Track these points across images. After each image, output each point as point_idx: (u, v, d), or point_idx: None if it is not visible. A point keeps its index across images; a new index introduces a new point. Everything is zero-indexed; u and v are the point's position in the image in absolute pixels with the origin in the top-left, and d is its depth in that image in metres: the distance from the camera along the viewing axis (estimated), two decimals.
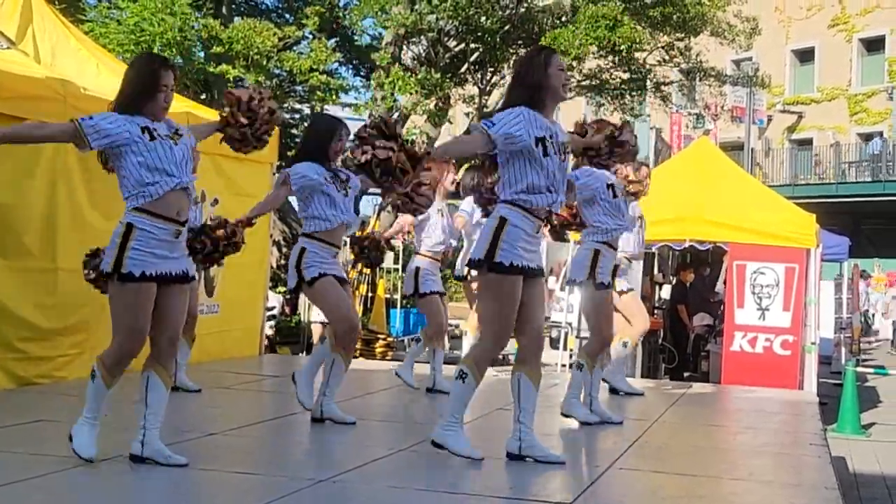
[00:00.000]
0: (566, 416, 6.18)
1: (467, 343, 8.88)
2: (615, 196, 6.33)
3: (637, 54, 19.73)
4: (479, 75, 20.64)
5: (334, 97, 18.05)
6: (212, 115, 9.38)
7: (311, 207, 5.62)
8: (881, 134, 33.82)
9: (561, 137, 4.80)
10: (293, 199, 5.99)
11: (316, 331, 14.28)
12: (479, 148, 4.72)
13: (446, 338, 8.08)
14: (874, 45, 35.53)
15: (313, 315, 14.32)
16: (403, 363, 7.73)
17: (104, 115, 4.38)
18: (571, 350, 11.55)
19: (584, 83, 21.03)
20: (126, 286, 4.29)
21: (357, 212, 6.44)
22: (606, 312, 6.36)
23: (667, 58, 20.98)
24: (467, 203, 7.76)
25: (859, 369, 13.36)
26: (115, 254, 4.30)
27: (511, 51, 19.99)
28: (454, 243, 8.03)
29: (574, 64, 18.95)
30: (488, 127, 4.63)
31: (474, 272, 7.57)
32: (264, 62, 16.89)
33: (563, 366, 11.03)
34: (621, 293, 7.84)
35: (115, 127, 4.31)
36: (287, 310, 17.21)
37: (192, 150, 4.58)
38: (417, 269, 7.46)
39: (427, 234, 7.54)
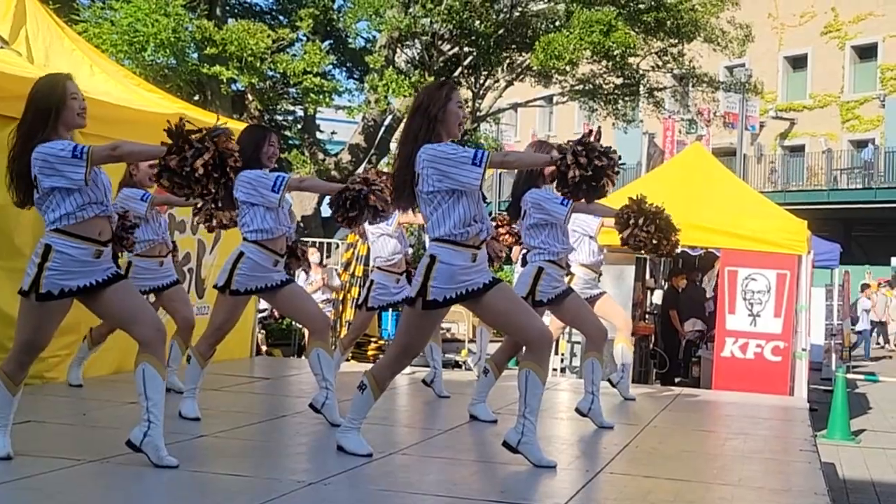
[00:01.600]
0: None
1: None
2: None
3: (630, 60, 19.79)
4: (472, 79, 20.66)
5: (328, 100, 18.04)
6: (206, 116, 9.39)
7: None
8: (873, 141, 33.93)
9: None
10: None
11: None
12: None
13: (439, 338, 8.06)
14: (867, 52, 35.67)
15: None
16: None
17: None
18: (562, 354, 11.57)
19: (577, 88, 21.07)
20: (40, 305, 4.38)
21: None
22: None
23: (660, 63, 21.03)
24: None
25: (849, 376, 13.40)
26: (33, 273, 4.36)
27: (505, 55, 20.02)
28: (410, 250, 8.13)
29: (568, 69, 18.98)
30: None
31: None
32: (258, 64, 16.87)
33: (555, 370, 11.04)
34: (593, 299, 7.82)
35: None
36: (276, 313, 17.17)
37: None
38: (372, 282, 7.67)
39: (381, 247, 7.69)
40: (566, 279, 6.50)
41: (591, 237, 7.98)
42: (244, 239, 5.68)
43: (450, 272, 4.63)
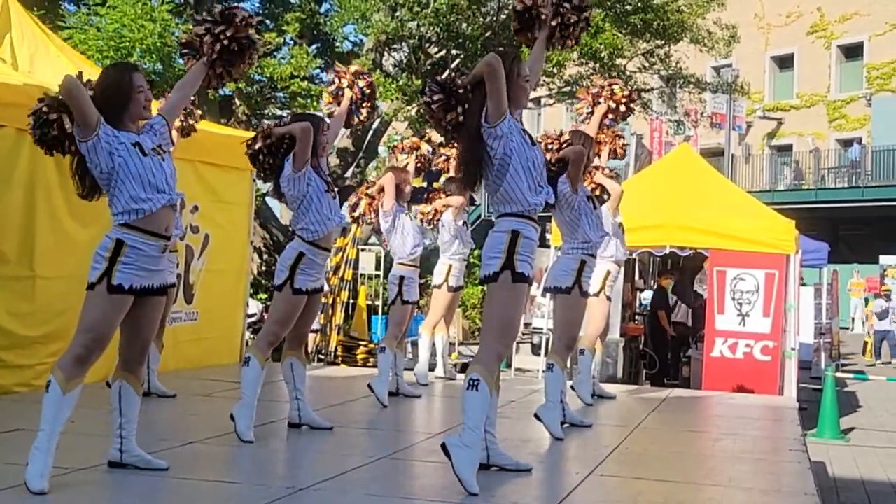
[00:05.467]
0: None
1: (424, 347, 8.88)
2: (595, 207, 6.40)
3: (618, 61, 19.81)
4: None
5: (315, 103, 18.01)
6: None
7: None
8: (860, 140, 34.04)
9: None
10: (274, 206, 6.00)
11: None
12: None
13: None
14: (853, 51, 35.82)
15: None
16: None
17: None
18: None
19: (564, 90, 21.08)
20: (111, 297, 4.25)
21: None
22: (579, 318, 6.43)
23: (647, 65, 21.07)
24: None
25: (839, 374, 13.43)
26: (104, 266, 4.26)
27: None
28: (427, 242, 8.10)
29: (555, 71, 18.99)
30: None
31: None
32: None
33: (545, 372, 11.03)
34: (608, 298, 7.95)
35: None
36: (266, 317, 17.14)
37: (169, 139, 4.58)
38: (402, 277, 7.58)
39: (401, 241, 7.63)
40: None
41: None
42: (300, 238, 5.65)
43: (531, 247, 4.61)
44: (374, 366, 13.04)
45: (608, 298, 8.02)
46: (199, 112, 7.51)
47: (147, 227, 4.32)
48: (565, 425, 6.25)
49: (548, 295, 6.76)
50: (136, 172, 4.30)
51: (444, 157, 8.48)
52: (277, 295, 5.63)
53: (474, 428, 4.36)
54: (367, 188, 8.19)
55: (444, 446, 4.36)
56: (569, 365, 6.87)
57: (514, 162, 4.54)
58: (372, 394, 7.15)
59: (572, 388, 7.61)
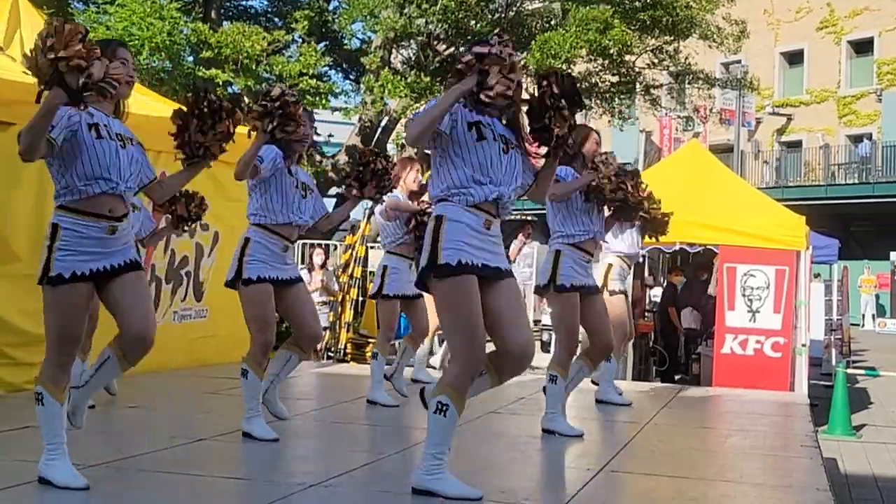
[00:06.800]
0: (546, 430, 5.89)
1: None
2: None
3: (626, 57, 19.76)
4: None
5: (324, 101, 18.02)
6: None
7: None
8: (870, 136, 33.94)
9: None
10: None
11: None
12: None
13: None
14: (863, 47, 35.70)
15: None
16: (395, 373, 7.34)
17: None
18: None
19: None
20: (56, 289, 4.03)
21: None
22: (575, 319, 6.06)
23: (656, 61, 21.00)
24: None
25: (850, 371, 13.38)
26: (44, 257, 4.04)
27: None
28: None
29: (564, 67, 18.96)
30: None
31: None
32: (253, 66, 16.86)
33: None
34: (612, 293, 7.81)
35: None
36: (277, 315, 17.15)
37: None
38: (385, 267, 7.12)
39: (394, 226, 7.22)
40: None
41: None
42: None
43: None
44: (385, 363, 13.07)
45: (615, 293, 7.86)
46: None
47: (86, 208, 4.02)
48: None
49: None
50: (85, 152, 3.98)
51: None
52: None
53: (438, 447, 4.04)
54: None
55: (415, 489, 4.07)
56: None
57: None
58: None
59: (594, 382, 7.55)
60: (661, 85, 22.70)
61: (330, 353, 13.23)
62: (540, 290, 6.10)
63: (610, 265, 7.88)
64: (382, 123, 20.52)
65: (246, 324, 5.47)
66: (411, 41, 19.72)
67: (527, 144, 4.31)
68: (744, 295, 10.44)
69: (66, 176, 4.00)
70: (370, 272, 17.14)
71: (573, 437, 5.78)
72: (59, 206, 4.05)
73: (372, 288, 7.40)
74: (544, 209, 6.23)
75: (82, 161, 3.98)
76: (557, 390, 5.86)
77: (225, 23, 19.11)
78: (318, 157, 20.72)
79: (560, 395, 5.89)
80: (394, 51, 19.94)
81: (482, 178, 4.10)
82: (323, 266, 13.48)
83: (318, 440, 5.64)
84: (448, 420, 3.96)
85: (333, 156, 21.05)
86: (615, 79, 20.75)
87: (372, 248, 14.27)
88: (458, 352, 4.03)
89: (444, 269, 3.99)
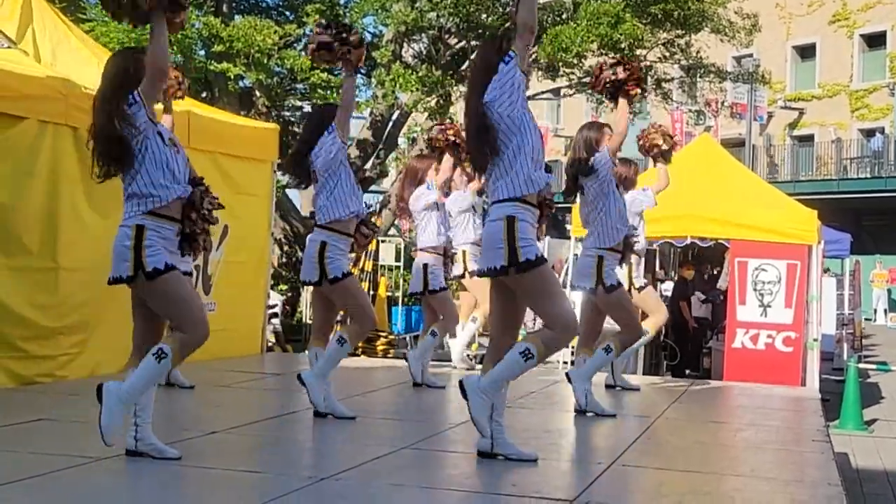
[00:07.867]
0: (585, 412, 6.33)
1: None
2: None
3: (638, 51, 19.71)
4: None
5: (335, 95, 18.02)
6: (212, 113, 9.40)
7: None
8: (882, 130, 33.78)
9: None
10: (294, 197, 6.04)
11: None
12: None
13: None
14: (875, 40, 35.51)
15: None
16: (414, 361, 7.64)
17: None
18: (573, 346, 11.52)
19: (584, 80, 20.99)
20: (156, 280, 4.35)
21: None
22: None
23: (667, 55, 20.95)
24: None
25: (861, 365, 13.35)
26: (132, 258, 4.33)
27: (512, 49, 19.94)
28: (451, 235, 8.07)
29: (575, 61, 18.93)
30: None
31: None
32: (265, 60, 16.87)
33: (566, 363, 11.01)
34: (640, 289, 7.98)
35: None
36: (287, 308, 17.20)
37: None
38: (425, 265, 7.53)
39: (426, 229, 7.60)
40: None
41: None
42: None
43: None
44: (395, 357, 13.09)
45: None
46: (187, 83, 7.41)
47: (166, 213, 4.41)
48: (589, 414, 6.29)
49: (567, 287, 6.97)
50: (160, 158, 4.38)
51: None
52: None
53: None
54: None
55: (461, 384, 4.60)
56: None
57: None
58: (394, 384, 7.21)
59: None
60: (673, 79, 22.65)
61: None
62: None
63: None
64: (393, 117, 20.51)
65: (352, 315, 5.96)
66: (422, 35, 19.71)
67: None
68: (755, 289, 10.42)
69: (144, 183, 4.37)
70: (380, 266, 17.20)
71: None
72: (143, 212, 4.38)
73: (411, 287, 7.84)
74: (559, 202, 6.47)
75: (156, 169, 4.38)
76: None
77: (236, 17, 19.11)
78: None
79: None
80: (405, 45, 19.93)
81: (541, 170, 4.64)
82: None
83: (330, 433, 5.65)
84: (528, 365, 4.55)
85: None
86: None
87: (383, 242, 14.29)
88: (562, 318, 4.59)
89: (528, 264, 4.51)
